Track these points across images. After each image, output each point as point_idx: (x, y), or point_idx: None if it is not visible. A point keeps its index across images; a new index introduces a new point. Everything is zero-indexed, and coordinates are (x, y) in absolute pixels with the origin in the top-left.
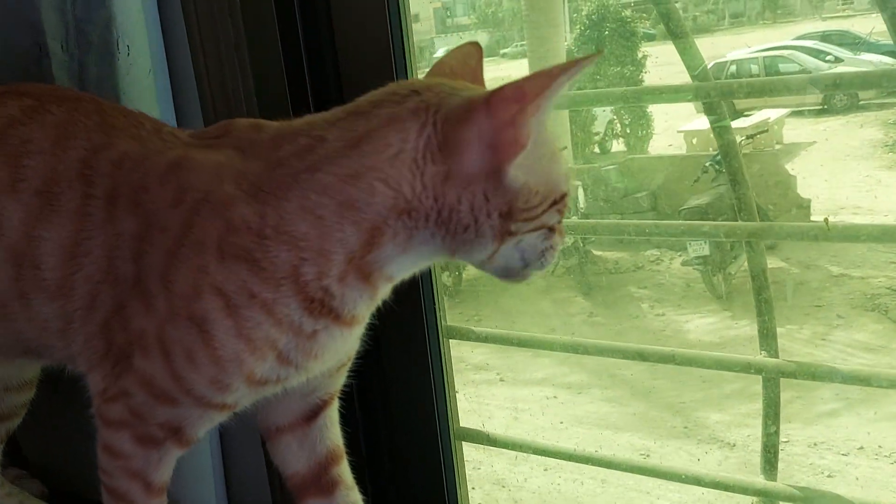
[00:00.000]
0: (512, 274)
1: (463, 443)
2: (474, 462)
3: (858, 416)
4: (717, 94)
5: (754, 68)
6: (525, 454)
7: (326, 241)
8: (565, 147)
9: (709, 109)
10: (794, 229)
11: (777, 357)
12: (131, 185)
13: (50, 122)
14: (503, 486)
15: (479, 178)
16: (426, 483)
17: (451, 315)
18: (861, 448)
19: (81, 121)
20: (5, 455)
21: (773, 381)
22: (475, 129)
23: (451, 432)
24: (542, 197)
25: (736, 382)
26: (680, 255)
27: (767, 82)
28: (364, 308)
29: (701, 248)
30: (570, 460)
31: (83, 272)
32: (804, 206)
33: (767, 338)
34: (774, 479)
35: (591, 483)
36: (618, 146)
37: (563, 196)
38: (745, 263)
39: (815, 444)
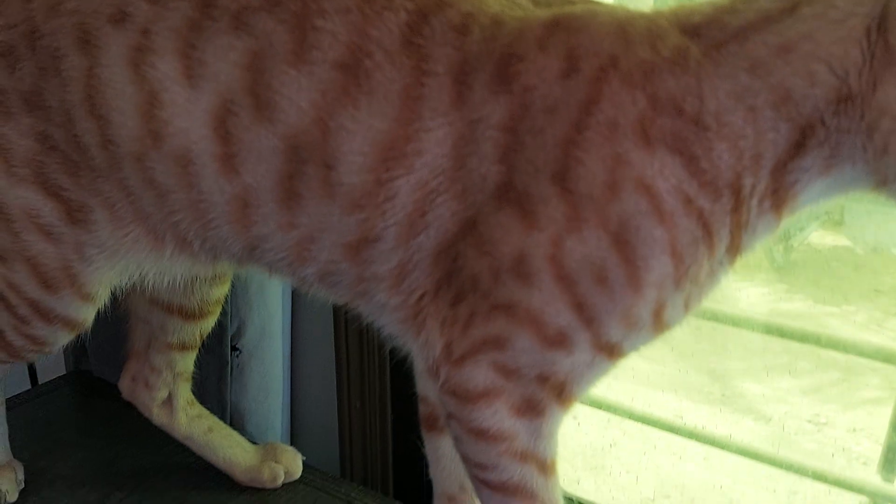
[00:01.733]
0: None
1: None
2: None
3: None
4: None
5: None
6: None
7: (761, 142)
8: None
9: None
10: None
11: None
12: (493, 55)
13: None
14: None
15: None
16: None
17: None
18: None
19: None
20: None
21: None
22: None
23: None
24: None
25: (783, 357)
26: None
27: None
28: (756, 246)
29: None
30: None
31: (410, 177)
32: None
33: None
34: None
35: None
36: None
37: None
38: (810, 236)
39: (854, 430)
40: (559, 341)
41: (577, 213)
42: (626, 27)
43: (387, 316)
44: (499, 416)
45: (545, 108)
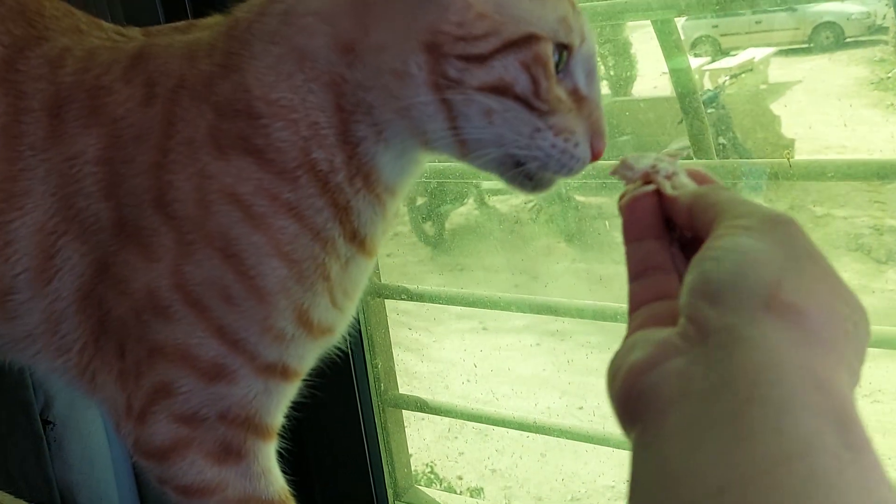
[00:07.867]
0: (503, 167)
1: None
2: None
3: None
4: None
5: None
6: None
7: (308, 108)
8: None
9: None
10: (753, 166)
11: None
12: (84, 88)
13: None
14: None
15: None
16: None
17: (433, 268)
18: None
19: None
20: None
21: None
22: None
23: (378, 400)
24: (491, 27)
25: None
26: None
27: None
28: (377, 230)
29: None
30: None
31: (25, 219)
32: (788, 146)
33: None
34: None
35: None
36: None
37: (529, 39)
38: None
39: None
40: (217, 373)
41: (183, 237)
42: (192, 45)
43: (61, 378)
44: (196, 467)
45: (134, 137)
